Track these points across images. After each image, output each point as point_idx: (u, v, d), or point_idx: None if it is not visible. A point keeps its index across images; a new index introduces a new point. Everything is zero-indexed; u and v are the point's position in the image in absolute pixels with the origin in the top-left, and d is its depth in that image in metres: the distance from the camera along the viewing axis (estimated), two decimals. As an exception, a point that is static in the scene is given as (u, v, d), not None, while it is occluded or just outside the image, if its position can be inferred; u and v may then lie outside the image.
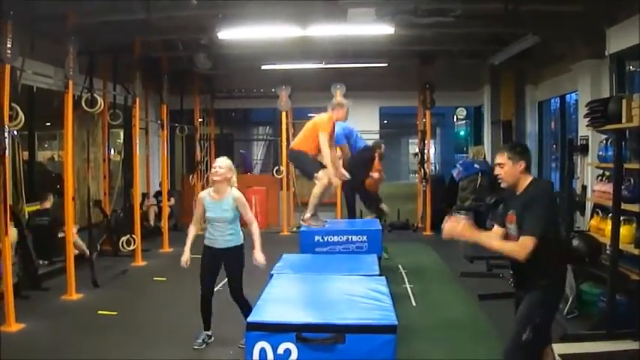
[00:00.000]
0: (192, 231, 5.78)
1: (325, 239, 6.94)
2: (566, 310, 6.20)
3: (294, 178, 13.63)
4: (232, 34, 9.06)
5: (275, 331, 3.39)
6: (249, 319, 3.50)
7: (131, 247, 9.57)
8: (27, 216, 7.95)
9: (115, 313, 6.84)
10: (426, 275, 8.57)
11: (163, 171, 11.66)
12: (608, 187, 6.48)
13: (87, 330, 6.26)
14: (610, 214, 6.18)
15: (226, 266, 5.76)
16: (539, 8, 8.07)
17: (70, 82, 7.55)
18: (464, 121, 16.92)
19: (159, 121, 11.75)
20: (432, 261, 9.55)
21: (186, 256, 5.63)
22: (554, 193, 3.78)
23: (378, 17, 8.23)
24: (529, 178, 3.81)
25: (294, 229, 11.85)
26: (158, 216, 12.29)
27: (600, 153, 7.20)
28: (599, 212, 7.06)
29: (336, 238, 7.06)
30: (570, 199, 7.45)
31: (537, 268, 3.67)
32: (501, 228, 3.93)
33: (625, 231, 6.04)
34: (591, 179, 8.20)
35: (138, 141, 10.08)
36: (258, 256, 5.59)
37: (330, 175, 6.98)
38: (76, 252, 7.95)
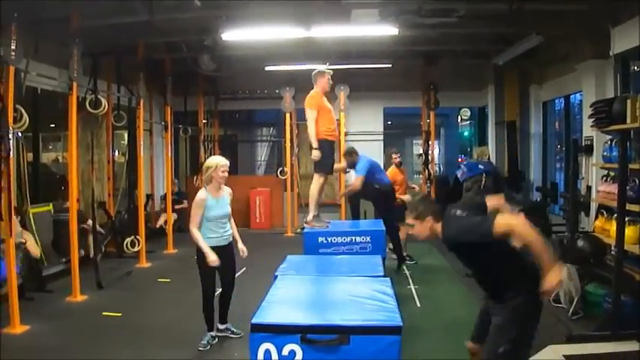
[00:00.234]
0: (198, 233, 5.70)
1: (329, 240, 6.93)
2: (571, 311, 6.18)
3: (298, 179, 13.64)
4: (236, 35, 9.08)
5: (280, 332, 3.39)
6: (254, 320, 3.50)
7: (135, 249, 9.59)
8: (32, 218, 7.97)
9: (119, 314, 6.85)
10: (430, 276, 8.56)
11: (167, 172, 11.66)
12: (613, 188, 6.46)
13: (91, 331, 6.26)
14: (615, 215, 6.15)
15: (228, 262, 5.83)
16: (543, 8, 8.05)
17: (75, 84, 7.56)
18: (468, 122, 16.91)
19: (163, 123, 11.78)
20: (437, 262, 9.53)
21: (213, 256, 5.60)
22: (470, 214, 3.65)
23: (382, 18, 8.24)
24: (439, 225, 3.66)
25: (298, 230, 11.85)
26: (176, 221, 12.18)
27: (605, 153, 7.18)
28: (604, 213, 7.04)
29: (339, 239, 7.05)
30: (575, 200, 7.43)
31: (500, 282, 3.61)
32: None
33: (630, 232, 6.03)
34: (596, 180, 8.18)
35: (142, 142, 10.08)
36: (244, 248, 5.95)
37: (315, 152, 6.94)
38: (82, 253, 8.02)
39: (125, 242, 9.56)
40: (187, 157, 14.50)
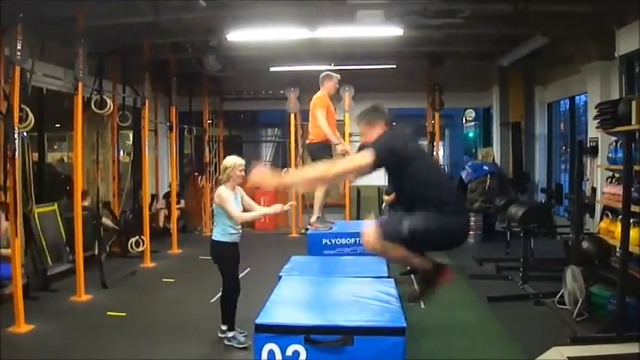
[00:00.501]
0: (244, 213, 5.80)
1: (333, 241, 6.93)
2: (575, 313, 6.17)
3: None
4: (241, 35, 9.09)
5: (284, 332, 3.39)
6: (258, 320, 3.50)
7: (140, 249, 9.62)
8: (37, 217, 7.99)
9: (123, 314, 6.86)
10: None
11: (172, 173, 11.68)
12: (618, 189, 6.45)
13: (96, 331, 6.28)
14: (620, 217, 6.14)
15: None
16: (548, 9, 8.04)
17: (80, 84, 7.59)
18: (473, 123, 16.89)
19: (168, 123, 11.80)
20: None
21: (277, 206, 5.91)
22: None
23: (387, 19, 8.24)
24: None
25: (303, 230, 11.85)
26: (168, 218, 12.33)
27: (610, 155, 7.17)
28: (609, 214, 7.03)
29: (343, 241, 7.05)
30: (580, 201, 7.42)
31: (412, 198, 3.77)
32: None
33: (635, 233, 6.01)
34: (601, 181, 8.17)
35: (147, 142, 10.11)
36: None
37: (340, 146, 7.08)
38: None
39: (130, 242, 9.59)
40: (192, 157, 14.52)
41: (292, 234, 12.92)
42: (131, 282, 8.63)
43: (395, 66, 12.45)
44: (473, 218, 11.84)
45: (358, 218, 9.64)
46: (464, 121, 17.42)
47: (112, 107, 9.32)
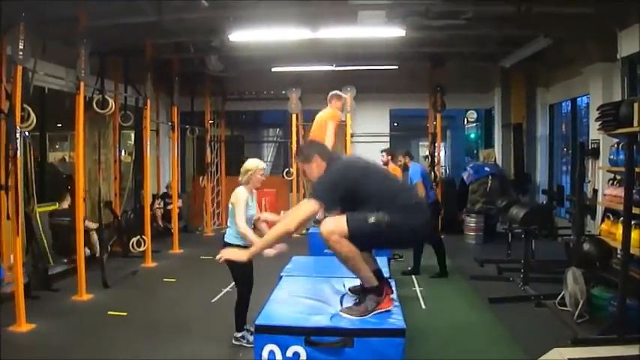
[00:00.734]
0: (249, 229, 5.59)
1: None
2: (576, 314, 6.16)
3: (304, 180, 13.63)
4: (243, 36, 9.09)
5: (284, 333, 3.39)
6: (258, 321, 3.50)
7: (141, 248, 9.62)
8: (38, 216, 8.00)
9: (125, 313, 6.86)
10: (435, 278, 8.54)
11: (174, 172, 11.69)
12: (620, 191, 6.45)
13: (97, 330, 6.28)
14: (621, 218, 6.14)
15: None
16: (550, 11, 8.04)
17: (82, 84, 7.59)
18: (474, 124, 16.88)
19: (170, 123, 11.81)
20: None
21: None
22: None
23: (389, 19, 8.24)
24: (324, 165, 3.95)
25: (304, 231, 11.85)
26: (165, 217, 12.34)
27: (611, 157, 7.17)
28: (610, 216, 7.03)
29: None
30: (581, 203, 7.41)
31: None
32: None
33: (636, 235, 6.02)
34: (602, 183, 8.17)
35: (149, 142, 10.10)
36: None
37: None
38: (88, 252, 7.99)
39: (131, 242, 9.60)
40: (194, 157, 14.52)
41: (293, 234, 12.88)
42: (132, 282, 8.63)
43: (397, 67, 12.46)
44: (474, 219, 11.87)
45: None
46: (465, 122, 17.42)
47: (113, 107, 9.33)
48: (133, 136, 11.57)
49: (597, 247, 6.70)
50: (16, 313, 6.21)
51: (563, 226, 10.24)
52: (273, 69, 12.50)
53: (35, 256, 7.64)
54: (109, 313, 6.87)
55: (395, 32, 8.73)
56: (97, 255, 8.62)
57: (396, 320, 3.53)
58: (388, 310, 3.68)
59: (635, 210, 5.89)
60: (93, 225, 8.98)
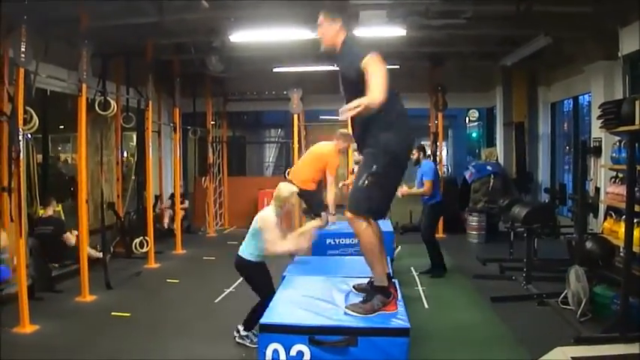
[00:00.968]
0: (284, 242, 5.67)
1: (337, 242, 6.96)
2: (579, 313, 6.17)
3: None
4: (244, 36, 9.10)
5: (288, 332, 3.40)
6: (262, 320, 3.51)
7: (144, 249, 9.63)
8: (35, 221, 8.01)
9: (128, 314, 6.87)
10: (438, 277, 8.54)
11: (176, 174, 11.70)
12: (622, 189, 6.44)
13: (100, 331, 6.29)
14: (623, 217, 6.14)
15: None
16: (551, 9, 8.03)
17: (84, 86, 7.59)
18: (476, 123, 16.87)
19: (171, 124, 11.82)
20: (445, 263, 9.51)
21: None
22: None
23: (390, 19, 8.24)
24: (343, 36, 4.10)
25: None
26: (172, 218, 12.35)
27: (613, 155, 7.16)
28: (613, 214, 7.02)
29: (347, 241, 7.09)
30: (583, 201, 7.41)
31: (365, 127, 3.86)
32: None
33: (638, 233, 6.00)
34: (604, 181, 8.17)
35: (151, 143, 10.11)
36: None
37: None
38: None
39: (134, 243, 9.61)
40: (196, 158, 14.53)
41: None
42: (135, 282, 8.64)
43: (398, 66, 12.42)
44: (476, 218, 11.87)
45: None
46: (467, 121, 17.39)
47: (115, 108, 9.35)
48: (135, 137, 11.58)
49: (600, 246, 6.70)
50: (20, 314, 6.22)
51: (566, 224, 10.23)
52: (275, 69, 12.49)
53: (38, 258, 7.65)
54: (113, 314, 6.89)
55: (396, 32, 8.74)
56: (99, 258, 8.60)
57: (401, 320, 3.55)
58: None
59: (637, 208, 5.87)
60: (72, 238, 8.30)
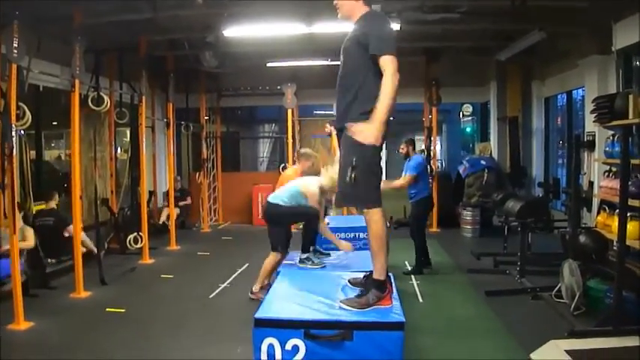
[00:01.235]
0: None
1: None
2: (572, 307, 6.19)
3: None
4: (238, 31, 9.08)
5: (283, 327, 3.41)
6: (257, 315, 3.51)
7: (138, 245, 9.61)
8: (32, 215, 7.98)
9: (123, 310, 6.86)
10: (432, 272, 8.56)
11: (170, 169, 11.68)
12: (615, 183, 6.48)
13: (95, 327, 6.28)
14: (617, 210, 6.16)
15: None
16: (545, 4, 8.05)
17: (77, 81, 7.56)
18: (470, 118, 16.90)
19: (165, 120, 11.78)
20: (439, 257, 9.53)
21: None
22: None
23: (385, 14, 8.23)
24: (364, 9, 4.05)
25: (301, 226, 11.88)
26: (177, 216, 12.20)
27: (607, 149, 7.20)
28: (606, 208, 7.05)
29: (343, 235, 7.10)
30: (577, 196, 7.43)
31: (349, 103, 3.86)
32: None
33: (632, 227, 6.04)
34: (598, 175, 8.20)
35: (144, 139, 10.09)
36: None
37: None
38: (84, 250, 7.96)
39: (128, 239, 9.59)
40: (190, 153, 14.50)
41: (292, 229, 12.87)
42: (130, 278, 8.63)
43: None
44: (470, 213, 11.91)
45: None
46: (461, 115, 17.43)
47: (109, 104, 9.30)
48: (128, 133, 11.55)
49: (593, 240, 6.72)
50: (15, 311, 6.20)
51: (559, 218, 10.26)
52: (268, 64, 12.48)
53: (33, 255, 7.63)
54: (108, 309, 6.87)
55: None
56: (95, 253, 8.59)
57: (396, 314, 3.55)
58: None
59: (631, 202, 5.90)
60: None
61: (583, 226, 7.94)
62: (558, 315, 6.24)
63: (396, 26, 8.64)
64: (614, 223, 6.27)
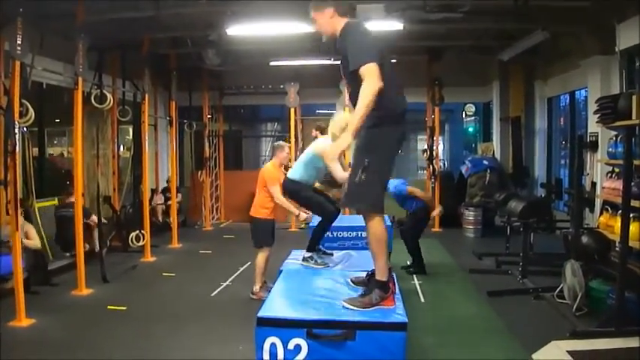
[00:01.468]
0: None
1: (335, 235, 6.95)
2: (575, 307, 6.18)
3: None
4: (241, 30, 9.08)
5: (285, 326, 3.39)
6: (260, 314, 3.50)
7: (140, 243, 9.63)
8: (37, 212, 7.99)
9: (124, 308, 6.87)
10: (434, 272, 8.56)
11: (172, 167, 11.69)
12: (618, 184, 6.46)
13: (96, 325, 6.28)
14: (619, 211, 6.15)
15: None
16: (548, 4, 8.04)
17: (80, 79, 7.56)
18: (473, 118, 16.88)
19: (168, 118, 11.80)
20: (441, 257, 9.54)
21: None
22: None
23: (387, 13, 8.23)
24: (342, 21, 3.95)
25: (303, 225, 11.87)
26: (166, 212, 12.35)
27: (610, 149, 7.18)
28: (609, 209, 7.04)
29: (345, 234, 7.09)
30: (579, 196, 7.42)
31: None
32: None
33: (634, 228, 6.02)
34: (601, 176, 8.18)
35: (147, 137, 10.10)
36: None
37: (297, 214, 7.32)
38: (87, 247, 7.99)
39: (130, 236, 9.61)
40: (192, 152, 14.51)
41: (292, 228, 12.91)
42: (132, 276, 8.64)
43: (395, 60, 12.36)
44: (473, 213, 11.90)
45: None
46: (464, 115, 17.40)
47: (111, 102, 9.33)
48: (131, 131, 11.55)
49: (595, 240, 6.72)
50: (16, 308, 6.22)
51: (562, 219, 10.25)
52: (271, 63, 12.48)
53: (35, 252, 7.64)
54: (109, 307, 6.88)
55: (393, 26, 8.73)
56: (96, 250, 8.61)
57: (398, 314, 3.55)
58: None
59: (633, 203, 5.89)
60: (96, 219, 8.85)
61: (585, 226, 7.93)
62: (560, 315, 6.23)
63: (398, 25, 8.65)
64: (617, 223, 6.26)
